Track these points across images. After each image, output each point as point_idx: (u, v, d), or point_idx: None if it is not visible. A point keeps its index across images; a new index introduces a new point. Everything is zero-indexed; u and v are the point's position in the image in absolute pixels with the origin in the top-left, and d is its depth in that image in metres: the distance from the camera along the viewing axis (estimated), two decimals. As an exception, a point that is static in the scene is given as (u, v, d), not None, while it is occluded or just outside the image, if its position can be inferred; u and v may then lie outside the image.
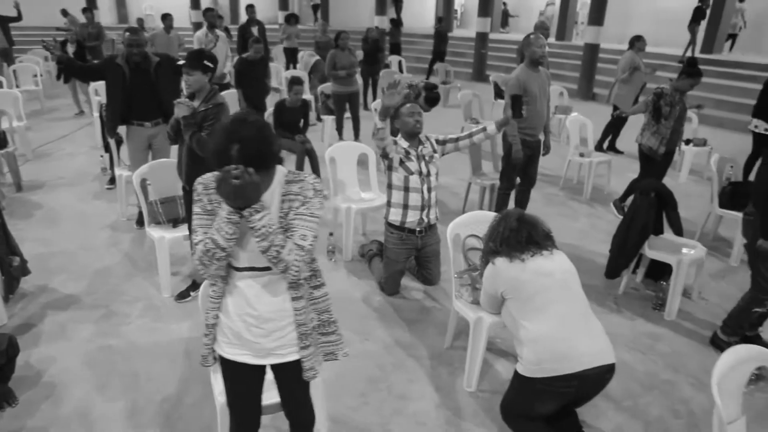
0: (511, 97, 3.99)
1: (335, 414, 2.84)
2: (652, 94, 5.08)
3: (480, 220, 3.07)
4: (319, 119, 8.16)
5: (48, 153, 7.24)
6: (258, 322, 1.90)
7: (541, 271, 2.58)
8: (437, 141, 3.90)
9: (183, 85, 3.51)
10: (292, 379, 2.05)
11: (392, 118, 3.83)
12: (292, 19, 11.95)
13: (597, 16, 11.94)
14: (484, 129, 3.91)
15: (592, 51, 12.11)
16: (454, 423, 2.83)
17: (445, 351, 3.39)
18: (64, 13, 12.81)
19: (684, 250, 3.91)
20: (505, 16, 21.18)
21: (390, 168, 3.76)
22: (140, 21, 14.04)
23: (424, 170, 3.75)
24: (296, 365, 2.00)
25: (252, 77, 6.73)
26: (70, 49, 8.93)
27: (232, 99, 6.35)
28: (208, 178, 1.85)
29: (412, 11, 21.30)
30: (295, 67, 11.36)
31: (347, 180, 4.76)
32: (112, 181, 5.77)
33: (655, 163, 5.18)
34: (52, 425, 2.71)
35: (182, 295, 3.81)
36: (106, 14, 17.27)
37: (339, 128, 7.52)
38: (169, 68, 4.40)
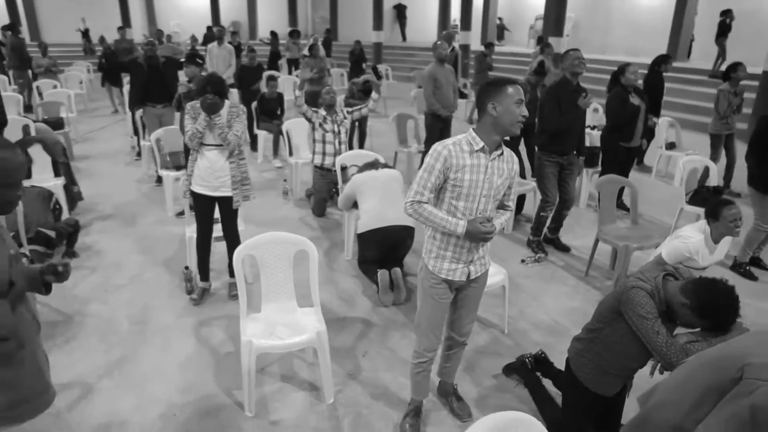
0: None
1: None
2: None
3: (358, 155, 5.01)
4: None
5: (92, 138, 9.44)
6: (213, 171, 3.86)
7: (371, 176, 4.54)
8: (347, 111, 5.87)
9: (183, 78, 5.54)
10: (228, 208, 4.00)
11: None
12: (294, 34, 14.02)
13: (556, 27, 13.78)
14: (369, 101, 6.05)
15: (556, 58, 13.90)
16: (332, 279, 4.65)
17: (342, 241, 5.28)
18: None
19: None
20: (501, 29, 23.10)
21: (313, 128, 5.74)
22: (159, 32, 14.64)
23: (336, 130, 5.72)
24: (230, 200, 3.96)
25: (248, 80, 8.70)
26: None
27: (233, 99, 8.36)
28: (192, 103, 3.83)
29: (416, 26, 23.46)
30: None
31: (300, 145, 6.73)
32: (139, 154, 7.83)
33: None
34: (96, 269, 4.72)
35: (180, 214, 5.79)
36: (138, 31, 19.81)
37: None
38: (173, 65, 6.51)
